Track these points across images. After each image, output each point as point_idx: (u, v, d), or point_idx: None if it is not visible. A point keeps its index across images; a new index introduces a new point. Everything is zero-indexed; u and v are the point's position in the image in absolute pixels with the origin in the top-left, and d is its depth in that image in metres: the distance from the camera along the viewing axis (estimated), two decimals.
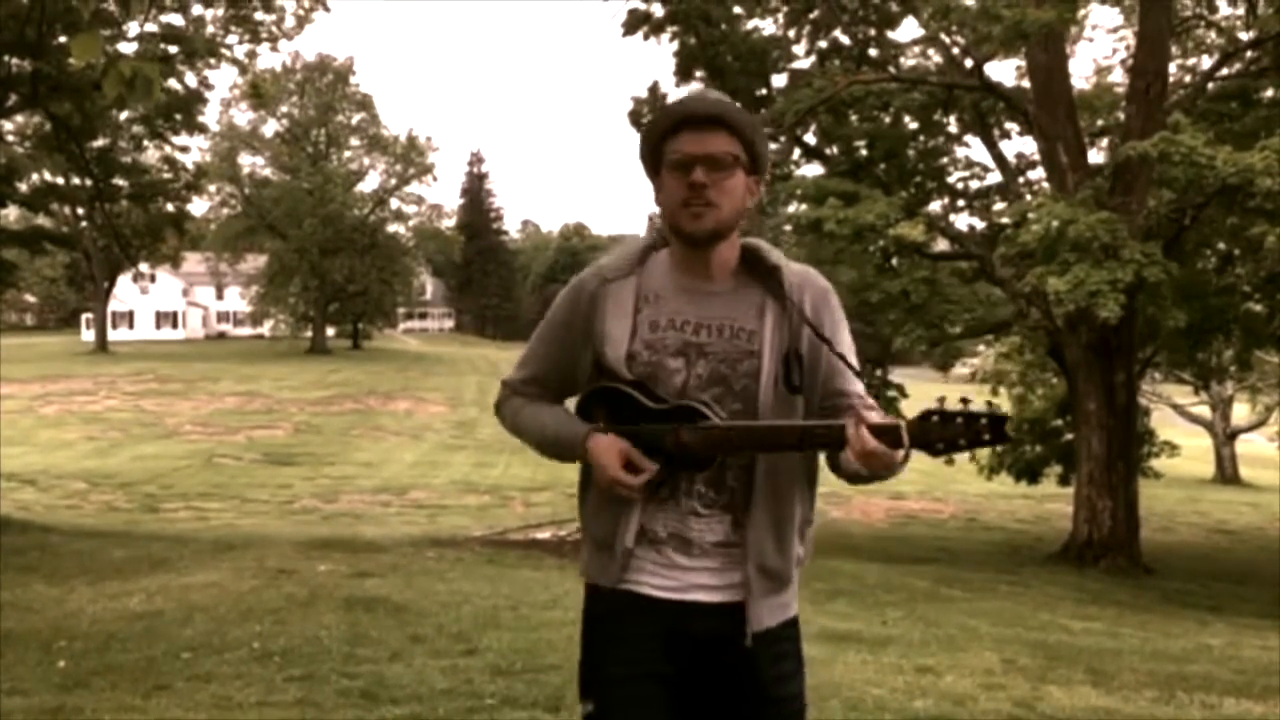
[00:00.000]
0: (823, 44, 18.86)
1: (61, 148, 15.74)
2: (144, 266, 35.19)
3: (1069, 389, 17.51)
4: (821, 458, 2.10)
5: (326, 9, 17.96)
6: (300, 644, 5.92)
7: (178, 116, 17.48)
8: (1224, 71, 17.52)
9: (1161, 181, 14.71)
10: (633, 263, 2.14)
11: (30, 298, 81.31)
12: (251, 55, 17.80)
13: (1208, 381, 30.57)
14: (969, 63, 17.15)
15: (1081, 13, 17.41)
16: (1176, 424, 34.94)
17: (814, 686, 5.45)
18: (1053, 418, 21.14)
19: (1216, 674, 6.72)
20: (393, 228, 69.11)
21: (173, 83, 16.18)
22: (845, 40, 18.85)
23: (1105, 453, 15.67)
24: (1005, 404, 23.87)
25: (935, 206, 19.72)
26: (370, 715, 4.69)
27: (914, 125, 19.02)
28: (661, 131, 2.08)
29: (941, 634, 7.80)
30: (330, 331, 68.09)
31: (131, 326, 74.75)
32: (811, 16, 18.62)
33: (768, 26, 19.21)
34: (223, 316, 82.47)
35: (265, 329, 69.67)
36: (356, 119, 68.74)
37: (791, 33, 18.94)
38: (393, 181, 68.68)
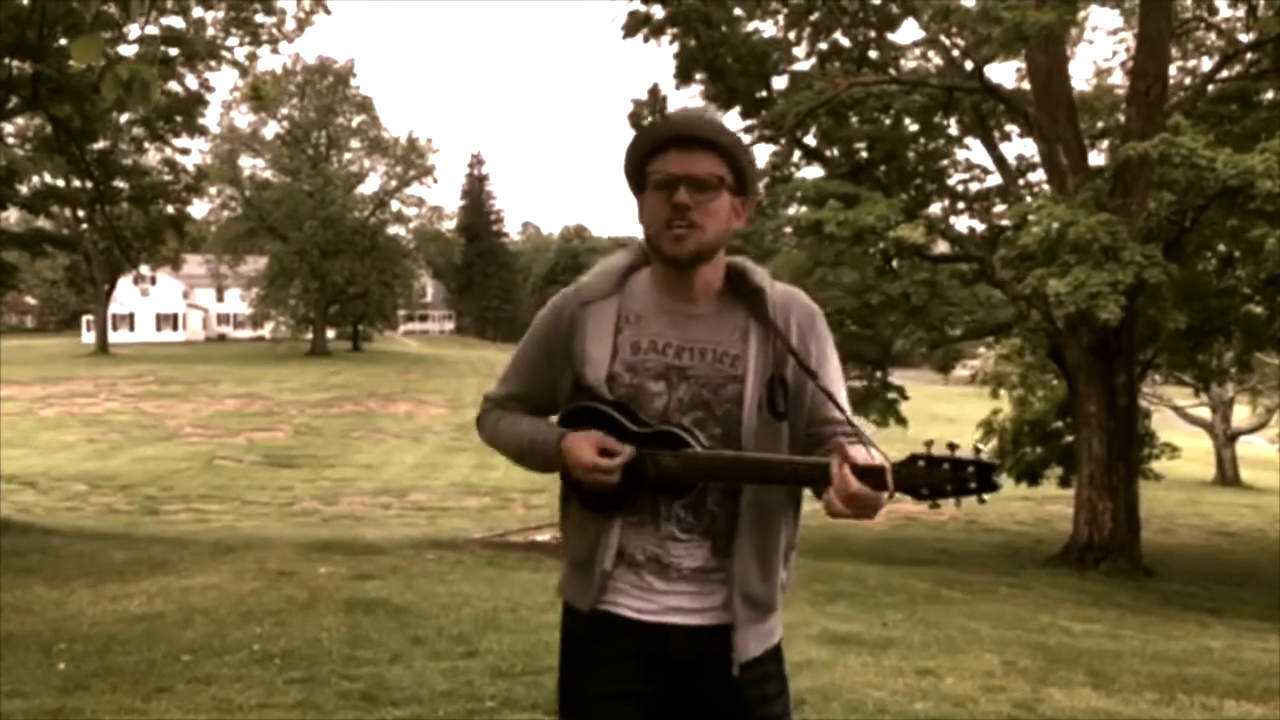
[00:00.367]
0: (823, 46, 18.88)
1: (62, 150, 15.74)
2: (144, 269, 35.25)
3: (1069, 391, 17.51)
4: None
5: (327, 11, 17.96)
6: (300, 646, 5.92)
7: (178, 119, 17.48)
8: (1224, 73, 17.53)
9: (1162, 183, 14.71)
10: (614, 283, 2.11)
11: (31, 300, 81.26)
12: (252, 57, 17.80)
13: (1208, 383, 30.56)
14: (969, 65, 17.16)
15: (1081, 15, 17.41)
16: (1177, 426, 34.93)
17: (814, 689, 5.46)
18: (1053, 420, 21.14)
19: (1217, 676, 6.71)
20: (393, 230, 69.19)
21: (173, 85, 16.19)
22: (845, 42, 18.86)
23: (1106, 455, 15.66)
24: (1004, 406, 23.96)
25: (936, 208, 19.74)
26: (370, 717, 4.69)
27: (914, 127, 19.03)
28: (646, 149, 2.04)
29: (942, 636, 7.79)
30: (331, 333, 68.14)
31: (132, 329, 74.78)
32: (812, 18, 18.63)
33: (768, 28, 19.24)
34: (223, 319, 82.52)
35: (266, 331, 69.72)
36: (357, 121, 68.84)
37: (792, 35, 18.95)
38: (393, 183, 68.77)
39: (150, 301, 76.07)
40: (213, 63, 16.92)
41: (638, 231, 2.13)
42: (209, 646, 5.91)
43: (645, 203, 2.05)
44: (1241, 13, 18.34)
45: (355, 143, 69.25)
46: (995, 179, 19.52)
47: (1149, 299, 14.15)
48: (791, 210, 18.68)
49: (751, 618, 2.05)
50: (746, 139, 18.27)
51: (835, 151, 19.16)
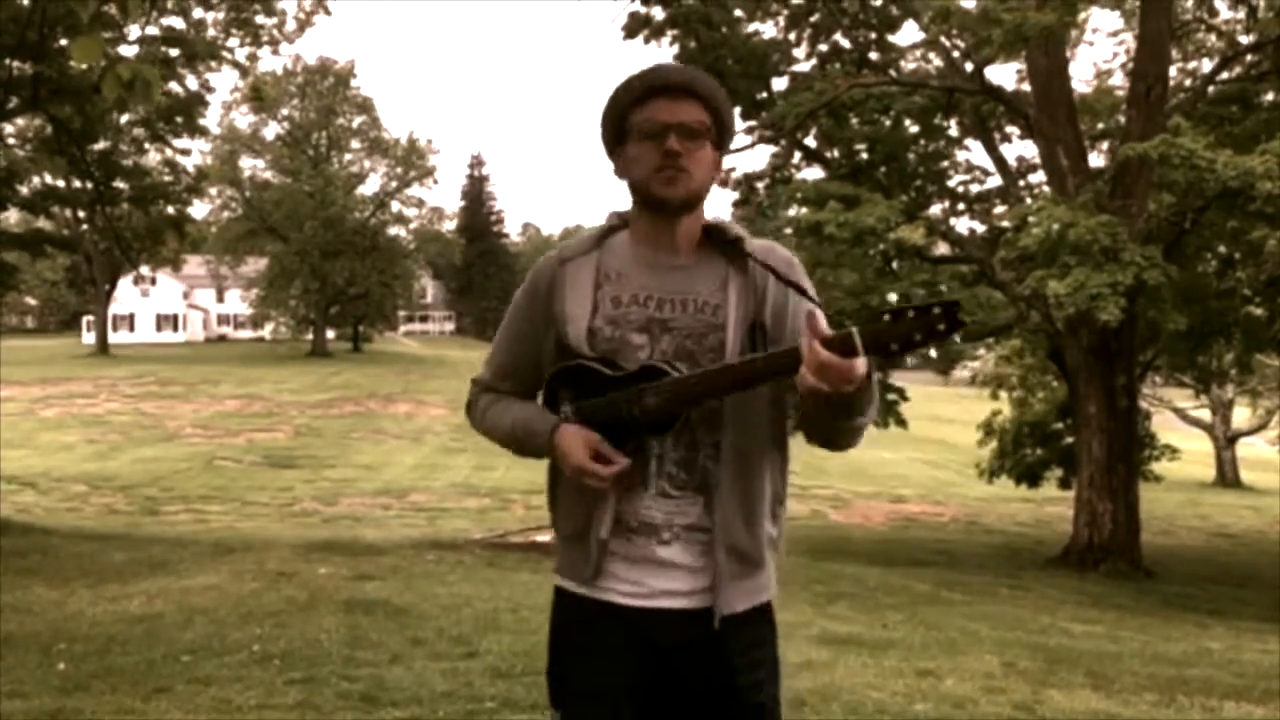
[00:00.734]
0: (823, 47, 18.88)
1: (62, 151, 15.75)
2: (145, 269, 35.32)
3: (1069, 392, 17.52)
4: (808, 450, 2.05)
5: (327, 12, 18.03)
6: (300, 647, 5.92)
7: (178, 119, 17.49)
8: (1224, 75, 17.54)
9: (1162, 185, 14.71)
10: (592, 242, 2.12)
11: (31, 300, 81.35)
12: (252, 58, 17.87)
13: (1208, 385, 30.59)
14: (969, 66, 17.18)
15: (1082, 16, 17.44)
16: (1177, 427, 34.94)
17: (814, 689, 5.46)
18: (1053, 421, 21.16)
19: (1217, 677, 6.71)
20: (393, 230, 69.22)
21: (173, 86, 16.20)
22: (846, 44, 18.86)
23: (1106, 456, 15.67)
24: (1004, 407, 23.97)
25: (936, 210, 19.74)
26: (370, 718, 4.69)
27: (914, 129, 19.03)
28: (632, 99, 2.05)
29: (942, 637, 7.79)
30: (331, 334, 68.15)
31: (132, 329, 74.82)
32: (812, 20, 18.63)
33: (768, 30, 19.23)
34: (223, 319, 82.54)
35: (266, 332, 69.74)
36: (357, 122, 68.88)
37: (792, 36, 18.95)
38: (393, 184, 68.81)
39: (150, 302, 76.12)
40: (213, 63, 16.95)
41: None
42: (209, 647, 5.91)
43: (630, 152, 2.05)
44: (1242, 14, 18.36)
45: (356, 143, 69.32)
46: (995, 180, 19.55)
47: (1149, 300, 14.16)
48: (792, 211, 18.67)
49: (736, 571, 2.02)
50: (747, 140, 18.45)
51: (835, 153, 19.16)
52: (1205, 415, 37.39)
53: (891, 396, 18.07)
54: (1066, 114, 16.30)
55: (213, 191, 56.74)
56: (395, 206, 69.18)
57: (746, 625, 2.06)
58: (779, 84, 18.98)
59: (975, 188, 20.05)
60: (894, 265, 17.29)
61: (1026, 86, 17.60)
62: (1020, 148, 19.83)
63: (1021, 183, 19.34)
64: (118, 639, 6.15)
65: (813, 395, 1.80)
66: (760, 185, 19.88)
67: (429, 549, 11.85)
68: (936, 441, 38.61)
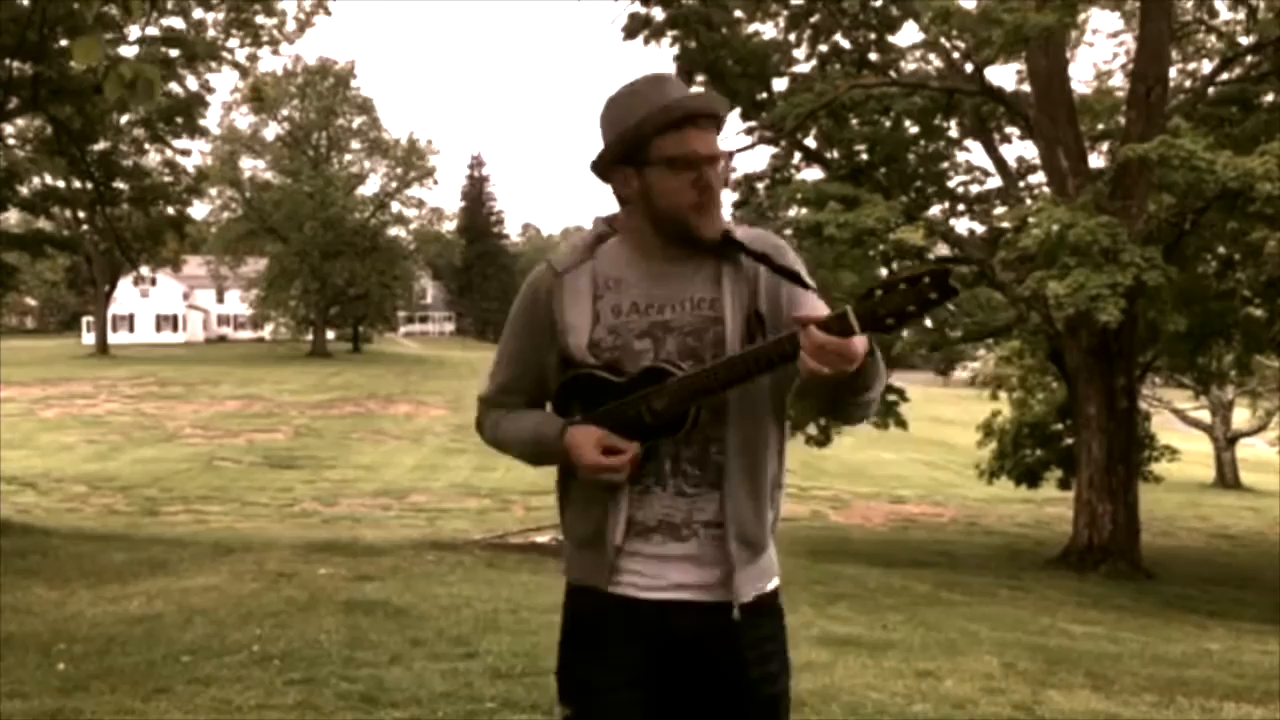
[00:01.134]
0: (823, 48, 18.88)
1: (62, 151, 15.75)
2: (144, 270, 35.27)
3: (1069, 393, 17.52)
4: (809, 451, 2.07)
5: (327, 12, 18.04)
6: (300, 647, 5.92)
7: (178, 120, 17.51)
8: (1224, 76, 17.55)
9: (1162, 186, 14.72)
10: (585, 252, 2.12)
11: (31, 301, 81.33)
12: (252, 59, 17.87)
13: (1208, 386, 30.58)
14: (969, 67, 17.17)
15: (1082, 17, 17.44)
16: (1177, 428, 34.95)
17: (814, 690, 5.46)
18: (1053, 422, 21.17)
19: (1216, 678, 6.72)
20: (393, 231, 69.21)
21: (174, 86, 16.21)
22: (846, 44, 18.86)
23: (1105, 457, 15.67)
24: (1004, 408, 23.98)
25: (936, 211, 19.73)
26: (370, 718, 4.69)
27: (914, 129, 19.04)
28: (665, 123, 2.01)
29: (942, 638, 7.80)
30: (331, 335, 68.14)
31: (132, 330, 74.80)
32: (812, 20, 18.63)
33: (768, 30, 19.24)
34: (223, 320, 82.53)
35: (266, 332, 69.74)
36: (357, 122, 68.87)
37: (792, 37, 18.95)
38: (393, 185, 68.80)
39: (150, 303, 76.08)
40: (213, 64, 16.95)
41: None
42: (208, 647, 5.91)
43: (655, 179, 2.03)
44: (1241, 15, 18.38)
45: (356, 144, 69.32)
46: (995, 181, 19.55)
47: (1149, 301, 14.17)
48: (792, 212, 18.66)
49: (746, 558, 2.05)
50: (747, 141, 18.47)
51: (835, 154, 19.16)
52: (1205, 416, 37.38)
53: (891, 397, 18.07)
54: (1066, 115, 16.30)
55: (213, 192, 56.75)
56: (395, 207, 69.24)
57: (758, 617, 2.08)
58: (779, 85, 18.99)
59: (975, 188, 20.06)
60: (894, 266, 17.29)
61: (1026, 87, 17.61)
62: (1020, 148, 19.84)
63: (1021, 184, 19.35)
64: (117, 639, 6.15)
65: (815, 377, 1.82)
66: (760, 186, 19.89)
67: (429, 550, 11.85)
68: (936, 442, 38.61)
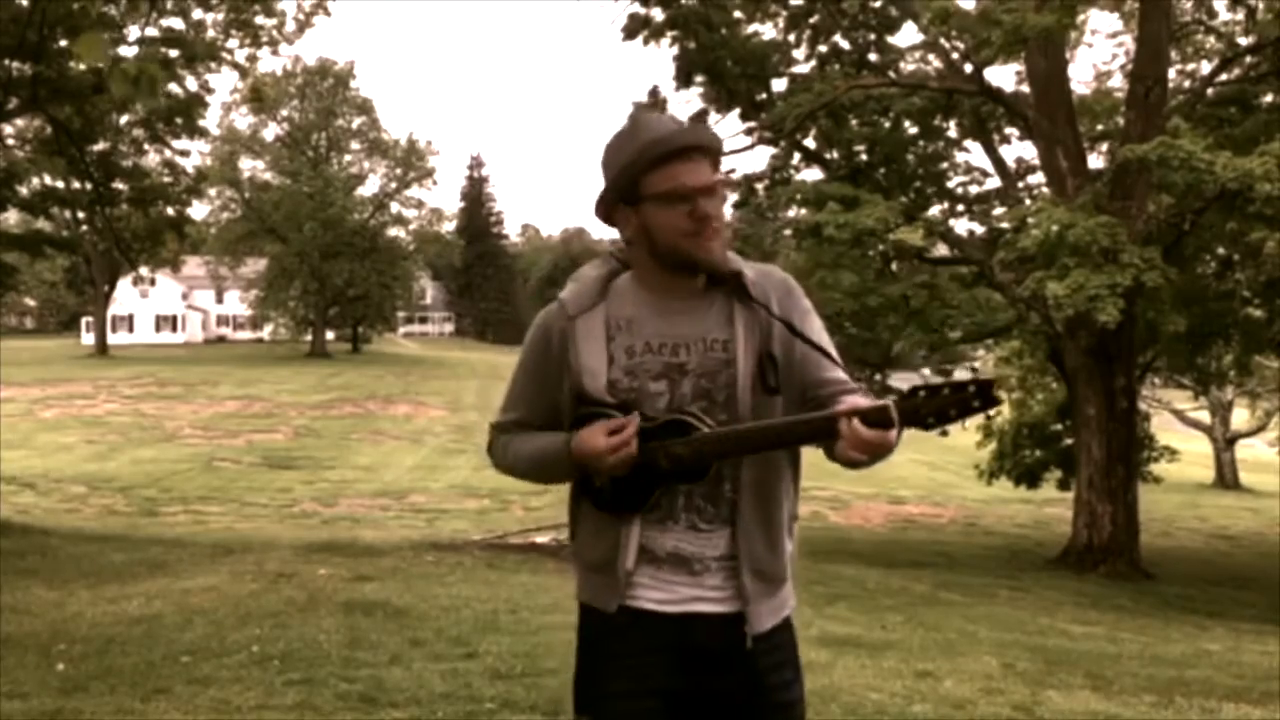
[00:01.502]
0: (823, 48, 18.89)
1: (62, 151, 15.74)
2: (144, 270, 35.24)
3: (1069, 394, 17.52)
4: (810, 451, 2.09)
5: (327, 13, 18.01)
6: (299, 648, 5.92)
7: (178, 120, 17.49)
8: (1223, 77, 17.55)
9: (1161, 186, 14.73)
10: (596, 292, 2.13)
11: (30, 301, 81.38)
12: (252, 59, 17.83)
13: (1207, 386, 30.57)
14: (969, 67, 17.18)
15: (1081, 18, 17.44)
16: (1176, 429, 34.96)
17: (813, 690, 5.44)
18: (1052, 422, 21.16)
19: (1216, 679, 6.72)
20: (393, 231, 69.19)
21: (173, 86, 16.20)
22: (845, 45, 18.87)
23: (1105, 457, 15.67)
24: (1004, 409, 23.97)
25: (935, 211, 19.73)
26: (369, 719, 4.69)
27: (914, 130, 19.04)
28: (649, 162, 2.04)
29: (941, 639, 7.80)
30: (330, 335, 68.12)
31: (131, 330, 74.79)
32: (811, 21, 18.65)
33: (768, 31, 19.25)
34: (222, 320, 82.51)
35: (265, 333, 69.72)
36: (357, 123, 68.87)
37: (791, 37, 18.96)
38: (393, 185, 68.80)
39: (149, 303, 76.08)
40: (213, 64, 16.94)
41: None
42: (208, 648, 5.91)
43: (651, 216, 2.05)
44: (1240, 16, 18.38)
45: (355, 144, 69.31)
46: (994, 182, 19.55)
47: (1148, 302, 14.17)
48: (791, 213, 18.68)
49: (762, 591, 2.09)
50: (746, 141, 18.47)
51: (835, 154, 19.17)
52: (1204, 417, 37.39)
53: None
54: (1066, 115, 16.31)
55: (212, 192, 56.74)
56: (395, 207, 69.22)
57: (773, 634, 2.12)
58: (778, 85, 19.01)
59: (974, 189, 20.07)
60: (893, 266, 17.29)
61: (1026, 88, 17.61)
62: (1019, 149, 19.88)
63: (1021, 184, 19.35)
64: (117, 640, 6.15)
65: (852, 465, 1.91)
66: (760, 186, 19.90)
67: (428, 550, 11.85)
68: (936, 443, 38.54)
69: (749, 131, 18.58)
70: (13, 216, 27.85)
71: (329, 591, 8.03)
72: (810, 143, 19.23)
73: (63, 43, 12.75)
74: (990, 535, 21.26)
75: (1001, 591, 12.51)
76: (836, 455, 1.93)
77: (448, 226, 75.23)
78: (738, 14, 18.72)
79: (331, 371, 54.43)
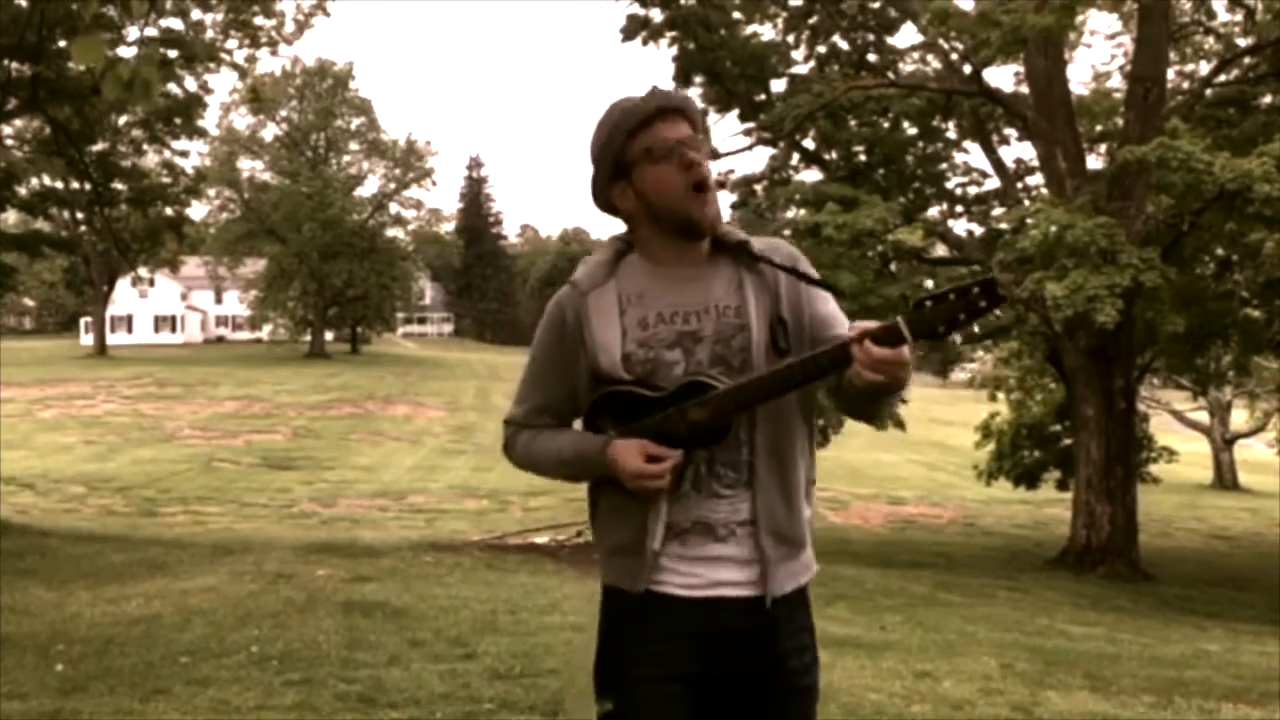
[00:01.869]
0: (822, 49, 18.90)
1: (61, 152, 15.74)
2: (143, 271, 35.21)
3: (1067, 394, 17.53)
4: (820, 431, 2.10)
5: (326, 14, 18.01)
6: (298, 648, 5.92)
7: (177, 121, 17.50)
8: (1222, 78, 17.56)
9: (1160, 187, 14.74)
10: (606, 270, 2.15)
11: (29, 301, 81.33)
12: (251, 60, 17.82)
13: (1206, 387, 30.59)
14: (967, 68, 17.18)
15: (1080, 18, 17.45)
16: (1175, 430, 34.97)
17: None
18: (1051, 423, 21.16)
19: (1214, 679, 6.73)
20: (392, 232, 69.15)
21: (172, 87, 16.20)
22: (844, 46, 18.89)
23: (1104, 458, 15.68)
24: (1002, 409, 23.99)
25: (934, 212, 19.76)
26: (368, 719, 4.69)
27: (913, 131, 19.05)
28: (632, 126, 2.08)
29: (940, 639, 7.81)
30: (329, 336, 68.08)
31: (130, 330, 74.75)
32: (810, 22, 18.66)
33: (767, 32, 19.26)
34: (221, 320, 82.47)
35: (264, 333, 69.62)
36: (356, 123, 68.84)
37: (790, 38, 18.98)
38: (392, 186, 68.77)
39: (148, 303, 76.04)
40: (212, 65, 16.93)
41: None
42: (207, 648, 5.91)
43: (649, 177, 2.08)
44: (1239, 17, 18.39)
45: (354, 145, 69.27)
46: (994, 182, 19.56)
47: (1147, 302, 14.17)
48: (790, 213, 18.69)
49: (782, 554, 2.11)
50: (745, 142, 18.47)
51: (834, 155, 19.18)
52: (1203, 417, 37.39)
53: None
54: (1065, 116, 16.32)
55: (211, 193, 56.63)
56: (394, 208, 69.16)
57: (793, 610, 2.16)
58: (777, 86, 19.02)
59: (973, 190, 20.08)
60: (892, 267, 17.29)
61: (1025, 89, 17.62)
62: (1018, 150, 19.91)
63: (1020, 185, 19.35)
64: (116, 640, 6.15)
65: (872, 388, 1.90)
66: (759, 187, 19.91)
67: (427, 551, 11.85)
68: (935, 443, 38.62)
69: (748, 132, 18.60)
70: (12, 217, 27.88)
71: (328, 592, 8.03)
72: (809, 143, 19.24)
73: (62, 43, 12.75)
74: (989, 536, 21.27)
75: (1000, 592, 12.51)
76: (854, 384, 1.93)
77: (447, 227, 75.29)
78: (737, 15, 18.73)
79: (330, 372, 54.41)
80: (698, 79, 18.59)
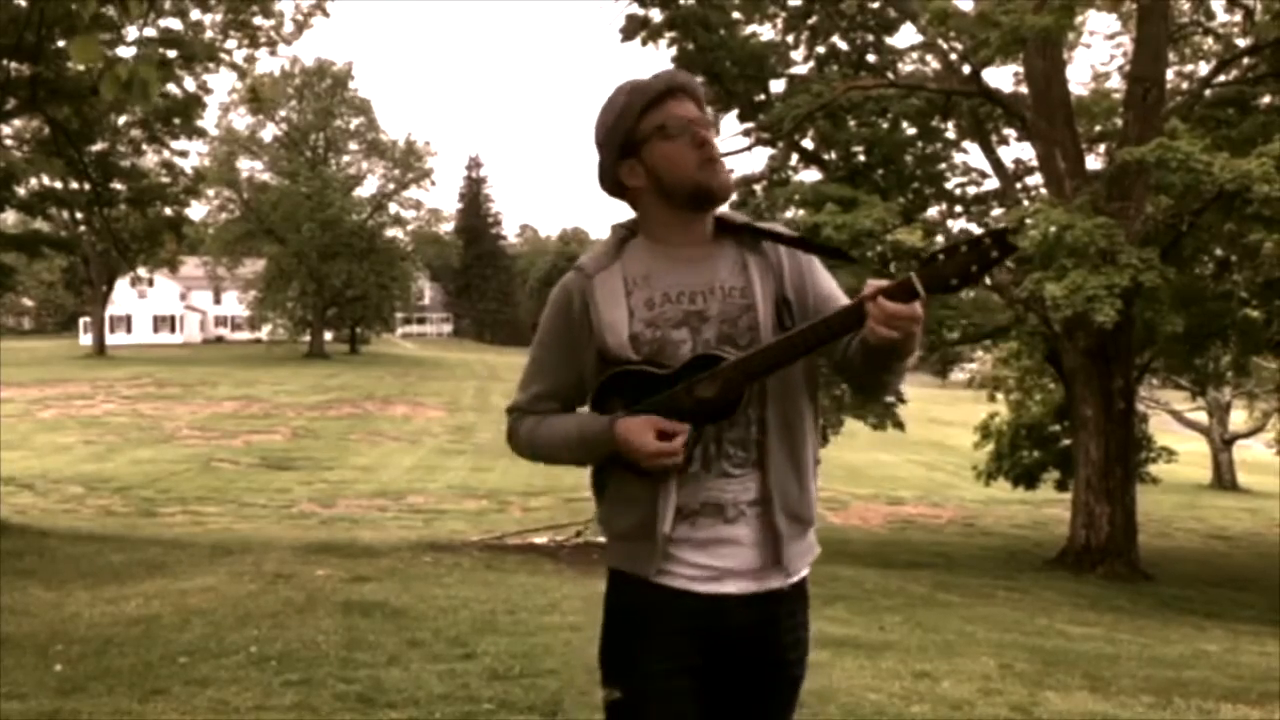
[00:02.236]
0: (821, 49, 18.89)
1: (60, 152, 15.72)
2: (142, 271, 35.19)
3: (1067, 395, 17.52)
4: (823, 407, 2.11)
5: (325, 14, 17.99)
6: (297, 648, 5.92)
7: (176, 121, 17.47)
8: (1221, 78, 17.56)
9: (1159, 187, 14.74)
10: (611, 254, 2.16)
11: (28, 301, 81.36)
12: (250, 60, 17.80)
13: (1205, 387, 30.60)
14: (967, 68, 17.18)
15: (1079, 19, 17.45)
16: (1174, 430, 34.99)
17: (811, 691, 5.46)
18: (1050, 423, 21.18)
19: (1213, 680, 6.73)
20: (391, 232, 69.19)
21: (171, 87, 16.18)
22: (843, 46, 18.88)
23: (1103, 458, 15.68)
24: (1001, 409, 24.00)
25: (933, 212, 19.76)
26: (367, 719, 4.69)
27: (912, 131, 19.05)
28: (644, 104, 2.10)
29: (939, 639, 7.81)
30: (328, 336, 68.10)
31: (129, 330, 74.76)
32: (810, 22, 18.65)
33: (766, 32, 19.24)
34: (220, 321, 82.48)
35: (263, 333, 69.64)
36: (355, 123, 68.86)
37: (790, 38, 18.97)
38: (391, 186, 68.80)
39: (148, 303, 76.05)
40: (211, 65, 16.91)
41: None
42: (206, 648, 5.91)
43: (655, 153, 2.10)
44: (1239, 18, 18.39)
45: (353, 145, 69.32)
46: (993, 182, 19.55)
47: (1146, 303, 14.17)
48: (789, 214, 18.68)
49: (795, 533, 2.13)
50: (745, 142, 18.46)
51: (833, 155, 19.17)
52: (1202, 418, 37.41)
53: (889, 399, 18.07)
54: (1064, 116, 16.32)
55: (210, 193, 56.66)
56: (393, 208, 69.20)
57: (795, 602, 2.17)
58: (777, 86, 19.00)
59: (972, 190, 20.07)
60: (891, 267, 17.28)
61: (1024, 89, 17.61)
62: (1017, 150, 19.91)
63: (1019, 185, 19.35)
64: (115, 640, 6.15)
65: (887, 344, 1.90)
66: (758, 187, 19.90)
67: (426, 551, 11.85)
68: (934, 443, 38.63)
69: (747, 132, 18.59)
70: (11, 217, 27.85)
71: (327, 592, 8.03)
72: (808, 144, 19.24)
73: (61, 43, 12.74)
74: (988, 536, 21.27)
75: (999, 592, 12.51)
76: (867, 342, 1.93)
77: (446, 227, 75.31)
78: (736, 15, 18.72)
79: (329, 372, 54.41)
80: (697, 79, 18.58)
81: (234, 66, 17.62)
